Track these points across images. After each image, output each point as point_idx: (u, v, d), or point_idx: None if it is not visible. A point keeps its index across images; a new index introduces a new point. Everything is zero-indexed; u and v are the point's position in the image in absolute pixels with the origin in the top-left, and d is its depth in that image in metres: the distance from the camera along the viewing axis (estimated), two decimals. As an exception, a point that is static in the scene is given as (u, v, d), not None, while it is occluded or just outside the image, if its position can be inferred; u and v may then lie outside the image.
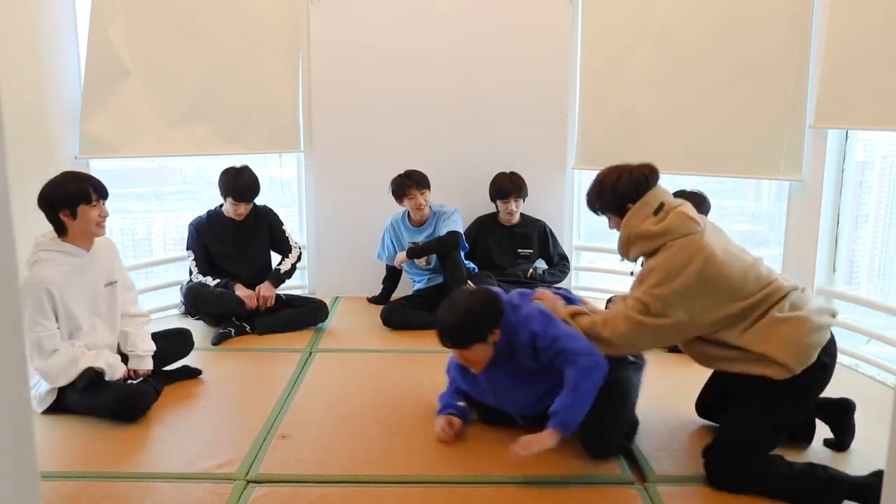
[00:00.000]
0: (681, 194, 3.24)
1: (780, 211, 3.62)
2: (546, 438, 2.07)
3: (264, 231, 3.66)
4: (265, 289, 3.52)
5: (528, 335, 2.20)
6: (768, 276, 2.13)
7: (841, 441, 2.34)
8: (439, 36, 4.04)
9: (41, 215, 2.52)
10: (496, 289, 2.41)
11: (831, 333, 2.14)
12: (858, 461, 2.25)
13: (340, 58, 4.04)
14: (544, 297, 2.36)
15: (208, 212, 3.63)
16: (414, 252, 3.74)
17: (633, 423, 2.41)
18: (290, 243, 3.70)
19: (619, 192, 2.21)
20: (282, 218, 3.76)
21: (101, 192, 2.58)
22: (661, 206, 2.16)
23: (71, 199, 2.49)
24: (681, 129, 3.69)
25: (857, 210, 3.46)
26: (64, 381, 2.48)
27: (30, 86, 3.24)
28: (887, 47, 2.84)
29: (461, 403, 2.46)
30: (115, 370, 2.57)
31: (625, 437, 2.34)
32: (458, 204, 3.90)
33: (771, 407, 2.09)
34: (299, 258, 3.70)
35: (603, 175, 2.28)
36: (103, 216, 2.58)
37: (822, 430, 2.39)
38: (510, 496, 2.05)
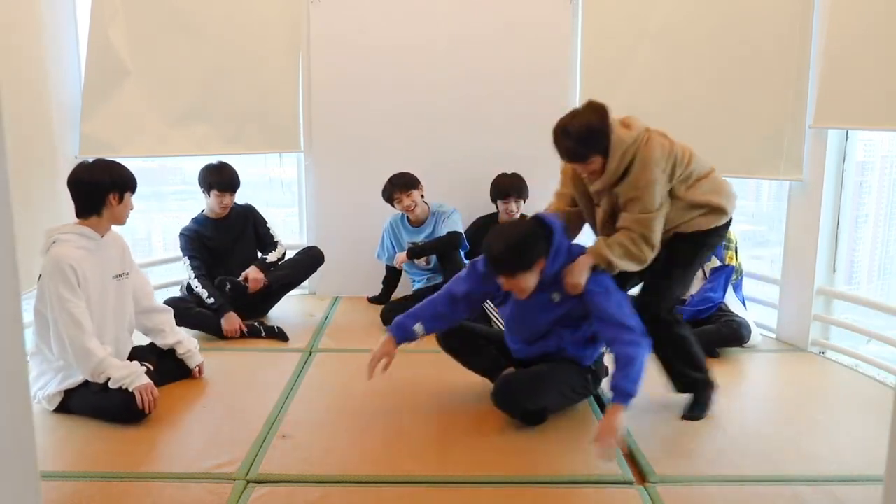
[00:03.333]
0: None
1: (780, 211, 3.62)
2: (613, 419, 2.14)
3: (249, 229, 3.71)
4: (253, 272, 3.52)
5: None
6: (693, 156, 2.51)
7: (690, 411, 2.53)
8: (439, 36, 4.04)
9: (41, 214, 2.50)
10: (551, 219, 2.39)
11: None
12: (859, 461, 2.24)
13: (340, 58, 4.04)
14: (574, 271, 2.35)
15: (193, 218, 3.66)
16: (415, 252, 3.74)
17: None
18: (275, 240, 3.73)
19: (607, 131, 2.34)
20: (267, 216, 3.78)
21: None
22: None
23: (127, 184, 2.53)
24: (681, 129, 3.66)
25: (857, 210, 3.46)
26: (88, 375, 2.45)
27: (30, 86, 3.24)
28: (887, 47, 2.84)
29: (416, 327, 2.50)
30: (137, 379, 2.48)
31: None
32: (458, 204, 3.90)
33: (692, 256, 2.52)
34: (283, 257, 3.72)
35: (586, 120, 2.36)
36: (132, 208, 2.63)
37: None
38: (510, 496, 2.05)
